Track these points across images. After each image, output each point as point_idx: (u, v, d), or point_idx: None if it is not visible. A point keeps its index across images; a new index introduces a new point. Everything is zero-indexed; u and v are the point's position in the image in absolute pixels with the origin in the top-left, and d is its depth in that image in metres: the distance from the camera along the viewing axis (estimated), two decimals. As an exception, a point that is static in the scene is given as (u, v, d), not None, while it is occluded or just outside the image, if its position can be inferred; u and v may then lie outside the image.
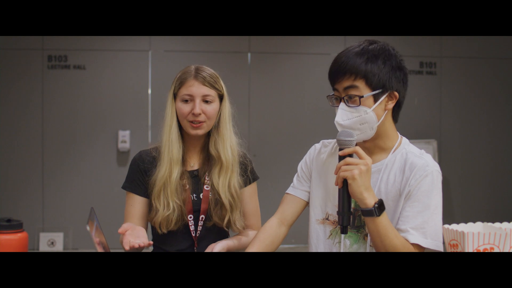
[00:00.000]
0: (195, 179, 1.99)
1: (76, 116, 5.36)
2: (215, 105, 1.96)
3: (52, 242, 5.30)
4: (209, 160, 2.00)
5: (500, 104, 5.88)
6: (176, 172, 1.94)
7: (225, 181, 1.96)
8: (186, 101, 1.93)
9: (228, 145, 1.98)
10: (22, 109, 5.32)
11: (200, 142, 2.01)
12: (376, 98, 1.64)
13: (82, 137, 5.38)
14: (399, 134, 1.75)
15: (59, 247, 5.30)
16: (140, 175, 1.98)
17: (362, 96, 1.62)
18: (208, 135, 2.01)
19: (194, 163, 2.01)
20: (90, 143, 5.39)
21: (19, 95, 5.31)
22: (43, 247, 5.28)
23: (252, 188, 2.07)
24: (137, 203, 1.99)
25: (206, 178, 1.98)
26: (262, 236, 1.79)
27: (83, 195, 5.31)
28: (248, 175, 2.05)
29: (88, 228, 1.50)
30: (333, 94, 1.69)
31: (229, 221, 1.97)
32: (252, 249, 1.75)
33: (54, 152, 5.36)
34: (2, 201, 5.20)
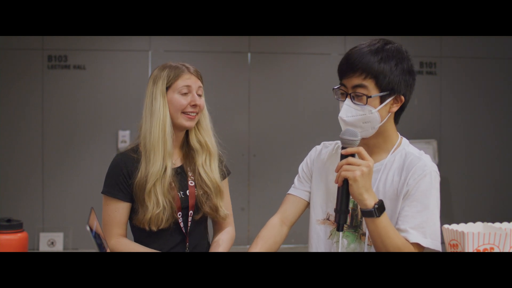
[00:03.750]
0: (180, 176, 2.00)
1: (76, 116, 5.36)
2: (203, 98, 2.02)
3: (52, 242, 5.31)
4: (188, 155, 2.03)
5: (500, 104, 5.89)
6: (169, 167, 1.94)
7: (214, 167, 2.02)
8: (184, 93, 1.96)
9: (211, 134, 2.04)
10: (22, 109, 5.32)
11: (181, 139, 2.03)
12: (382, 99, 1.63)
13: (82, 137, 5.37)
14: (399, 134, 1.75)
15: (59, 247, 5.30)
16: (123, 179, 1.95)
17: (370, 96, 1.61)
18: (186, 131, 2.04)
19: (175, 160, 2.02)
20: (90, 143, 5.39)
21: (19, 95, 5.31)
22: (43, 247, 5.29)
23: (226, 183, 2.12)
24: (120, 208, 1.95)
25: (190, 174, 2.00)
26: (266, 235, 1.80)
27: (83, 195, 5.31)
28: (223, 169, 2.10)
29: (88, 228, 1.50)
30: (340, 88, 1.68)
31: (217, 209, 2.00)
32: (256, 248, 1.76)
33: (54, 152, 5.36)
34: (2, 201, 5.20)
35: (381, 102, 1.63)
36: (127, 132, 5.38)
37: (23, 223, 2.32)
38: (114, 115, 5.41)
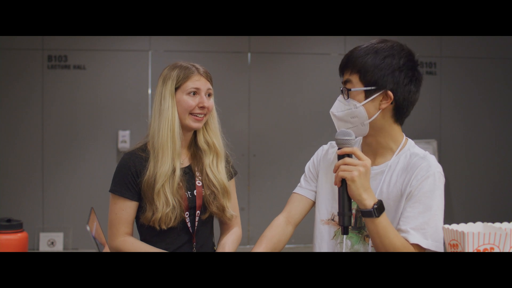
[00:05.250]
0: (188, 176, 2.01)
1: (76, 116, 5.36)
2: (212, 99, 2.02)
3: (52, 242, 5.31)
4: (196, 155, 2.04)
5: (500, 104, 5.89)
6: (178, 167, 1.95)
7: (221, 168, 2.02)
8: (193, 94, 1.96)
9: (219, 135, 2.05)
10: (22, 109, 5.32)
11: (189, 139, 2.04)
12: (367, 94, 1.65)
13: (82, 137, 5.37)
14: (404, 136, 1.75)
15: (59, 247, 5.30)
16: (132, 178, 1.96)
17: (350, 90, 1.65)
18: (194, 131, 2.04)
19: (183, 160, 2.03)
20: (90, 143, 5.39)
21: (19, 95, 5.31)
22: (43, 247, 5.29)
23: (233, 183, 2.13)
24: (128, 207, 1.97)
25: (197, 174, 2.01)
26: (270, 235, 1.80)
27: (83, 195, 5.31)
28: (230, 170, 2.11)
29: (88, 228, 1.50)
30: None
31: (224, 209, 2.01)
32: (260, 247, 1.76)
33: (54, 152, 5.36)
34: (2, 201, 5.20)
35: (366, 97, 1.65)
36: (127, 132, 5.38)
37: (23, 223, 2.32)
38: (114, 115, 5.41)
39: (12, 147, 5.31)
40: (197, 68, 1.99)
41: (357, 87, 1.65)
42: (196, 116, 1.97)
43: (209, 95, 2.00)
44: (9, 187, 5.29)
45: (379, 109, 1.66)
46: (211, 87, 2.01)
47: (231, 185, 2.10)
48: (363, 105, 1.64)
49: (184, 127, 1.98)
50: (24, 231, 2.28)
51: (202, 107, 1.96)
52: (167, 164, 1.92)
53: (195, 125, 1.97)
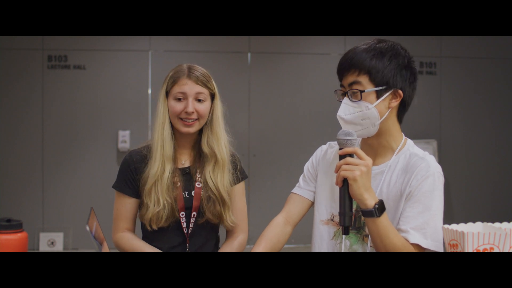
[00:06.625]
0: (187, 176, 2.01)
1: (76, 116, 5.37)
2: (207, 104, 1.98)
3: (52, 242, 5.31)
4: (200, 157, 2.02)
5: (500, 104, 5.89)
6: (168, 169, 1.95)
7: (220, 178, 1.99)
8: (179, 99, 1.95)
9: (222, 143, 2.01)
10: (22, 109, 5.32)
11: (191, 140, 2.03)
12: (379, 94, 1.64)
13: (82, 137, 5.38)
14: (403, 135, 1.75)
15: (59, 247, 5.30)
16: (130, 175, 2.00)
17: (363, 91, 1.63)
18: (199, 133, 2.03)
19: (185, 161, 2.03)
20: (90, 143, 5.39)
21: (19, 95, 5.31)
22: (43, 247, 5.29)
23: (240, 187, 2.09)
24: (127, 203, 2.02)
25: (198, 176, 2.00)
26: (269, 235, 1.80)
27: (83, 195, 5.32)
28: (238, 174, 2.07)
29: (88, 228, 1.50)
30: (340, 89, 1.71)
31: (222, 217, 1.99)
32: (259, 247, 1.76)
33: (54, 152, 5.36)
34: (2, 201, 5.20)
35: (378, 98, 1.65)
36: (127, 132, 5.38)
37: (23, 223, 2.32)
38: (114, 115, 5.41)
39: (12, 147, 5.31)
40: (188, 72, 1.96)
41: (368, 87, 1.64)
42: (185, 121, 1.95)
43: (200, 100, 1.96)
44: (9, 187, 5.29)
45: (389, 108, 1.67)
46: (203, 91, 1.96)
47: (239, 190, 2.07)
48: (375, 106, 1.64)
49: (178, 131, 1.98)
50: (24, 231, 2.28)
51: (187, 112, 1.94)
52: (156, 166, 1.94)
53: (184, 129, 1.96)
